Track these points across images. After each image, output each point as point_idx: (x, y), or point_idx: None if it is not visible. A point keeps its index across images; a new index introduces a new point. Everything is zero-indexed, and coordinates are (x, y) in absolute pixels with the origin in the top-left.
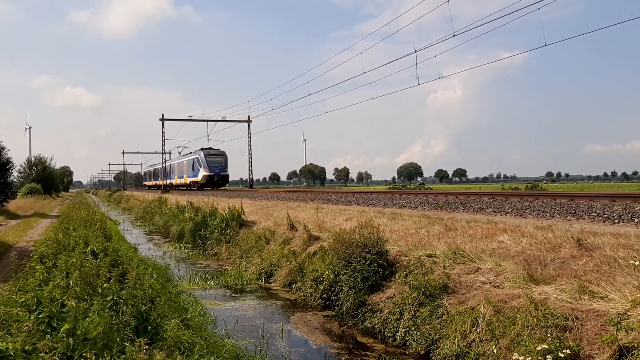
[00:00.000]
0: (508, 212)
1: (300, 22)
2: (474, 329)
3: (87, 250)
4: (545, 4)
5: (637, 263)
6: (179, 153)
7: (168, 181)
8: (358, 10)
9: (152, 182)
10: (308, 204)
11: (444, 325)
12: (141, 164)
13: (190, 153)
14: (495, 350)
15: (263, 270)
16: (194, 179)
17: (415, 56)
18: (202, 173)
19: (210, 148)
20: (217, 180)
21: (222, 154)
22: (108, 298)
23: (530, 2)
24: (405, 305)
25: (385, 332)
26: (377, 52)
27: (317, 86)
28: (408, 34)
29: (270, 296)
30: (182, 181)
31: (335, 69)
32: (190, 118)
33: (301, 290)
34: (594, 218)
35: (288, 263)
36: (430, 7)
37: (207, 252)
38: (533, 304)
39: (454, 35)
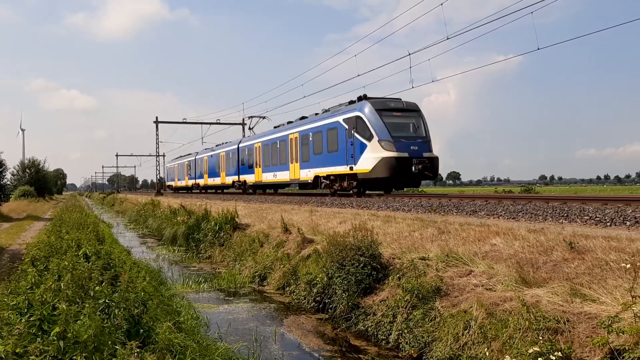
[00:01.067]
0: (501, 215)
1: (295, 25)
2: (467, 331)
3: (80, 253)
4: (538, 7)
5: (628, 266)
6: (247, 130)
7: (240, 177)
8: (353, 13)
9: (202, 181)
10: (302, 206)
11: (436, 328)
12: (134, 167)
13: (302, 120)
14: (487, 353)
15: (257, 273)
16: (343, 168)
17: (409, 59)
18: (379, 154)
19: (385, 99)
20: (422, 170)
21: (416, 110)
22: (100, 301)
23: (522, 5)
24: (399, 308)
25: (379, 335)
26: (372, 55)
27: (312, 88)
28: (403, 37)
29: (264, 299)
30: (286, 176)
31: (330, 72)
32: (184, 121)
33: (295, 293)
34: (586, 221)
35: (282, 266)
36: (425, 10)
37: (200, 255)
38: (525, 307)
39: (448, 38)
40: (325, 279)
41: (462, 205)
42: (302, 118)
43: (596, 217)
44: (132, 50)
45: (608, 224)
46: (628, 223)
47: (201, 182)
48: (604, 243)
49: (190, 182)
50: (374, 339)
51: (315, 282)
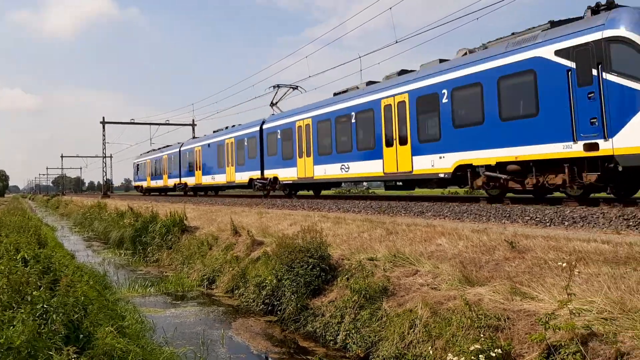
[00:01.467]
0: (447, 216)
1: (248, 27)
2: (412, 330)
3: (18, 257)
4: (483, 14)
5: (564, 264)
6: (270, 107)
7: (265, 173)
8: (305, 16)
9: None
10: (253, 208)
11: (383, 328)
12: (80, 169)
13: (405, 74)
14: (431, 352)
15: (205, 277)
16: (555, 147)
17: (360, 62)
18: None
19: None
20: None
21: None
22: (38, 306)
23: (468, 11)
24: (346, 309)
25: (327, 336)
26: (324, 57)
27: (264, 89)
28: (355, 39)
29: (212, 302)
30: (374, 168)
31: (282, 73)
32: (132, 121)
33: (244, 296)
34: (527, 221)
35: (231, 269)
36: (375, 14)
37: (148, 258)
38: (468, 305)
39: (397, 42)
40: (275, 281)
41: (410, 206)
42: (403, 72)
43: (536, 218)
44: (79, 48)
45: (548, 224)
46: (566, 223)
47: (190, 180)
48: (543, 242)
49: (172, 182)
50: (322, 339)
51: (264, 284)
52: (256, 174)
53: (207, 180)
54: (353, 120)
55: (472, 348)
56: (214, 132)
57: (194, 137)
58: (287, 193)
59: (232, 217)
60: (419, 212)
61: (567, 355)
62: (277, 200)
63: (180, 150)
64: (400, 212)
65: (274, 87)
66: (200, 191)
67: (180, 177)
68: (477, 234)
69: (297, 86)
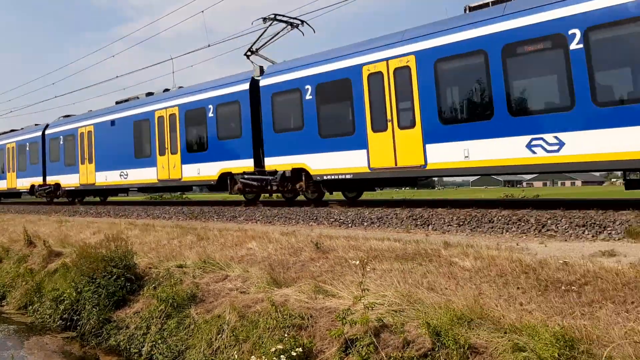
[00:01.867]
0: (258, 220)
1: (50, 19)
2: (220, 336)
3: None
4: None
5: (357, 262)
6: (245, 57)
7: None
8: (117, 12)
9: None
10: (52, 216)
11: (191, 336)
12: None
13: None
14: (236, 356)
15: None
16: None
17: (172, 63)
18: None
19: None
20: None
21: None
22: None
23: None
24: (153, 319)
25: (131, 349)
26: (136, 57)
27: (68, 88)
28: (171, 40)
29: (2, 321)
30: None
31: (89, 71)
32: None
33: (39, 312)
34: (332, 223)
35: (24, 283)
36: (188, 16)
37: None
38: (274, 307)
39: (209, 46)
40: (74, 294)
41: (223, 211)
42: None
43: (340, 219)
44: None
45: (349, 225)
46: (365, 224)
47: (68, 180)
48: (345, 242)
49: (27, 182)
50: (126, 353)
51: (62, 298)
52: (240, 164)
53: (109, 178)
54: (578, 45)
55: (273, 349)
56: (116, 102)
57: (66, 116)
58: (315, 197)
59: (27, 226)
60: (231, 216)
61: (362, 347)
62: (80, 207)
63: (44, 134)
64: (212, 217)
65: (264, 19)
66: (90, 195)
67: (44, 175)
68: (286, 236)
69: (302, 21)
